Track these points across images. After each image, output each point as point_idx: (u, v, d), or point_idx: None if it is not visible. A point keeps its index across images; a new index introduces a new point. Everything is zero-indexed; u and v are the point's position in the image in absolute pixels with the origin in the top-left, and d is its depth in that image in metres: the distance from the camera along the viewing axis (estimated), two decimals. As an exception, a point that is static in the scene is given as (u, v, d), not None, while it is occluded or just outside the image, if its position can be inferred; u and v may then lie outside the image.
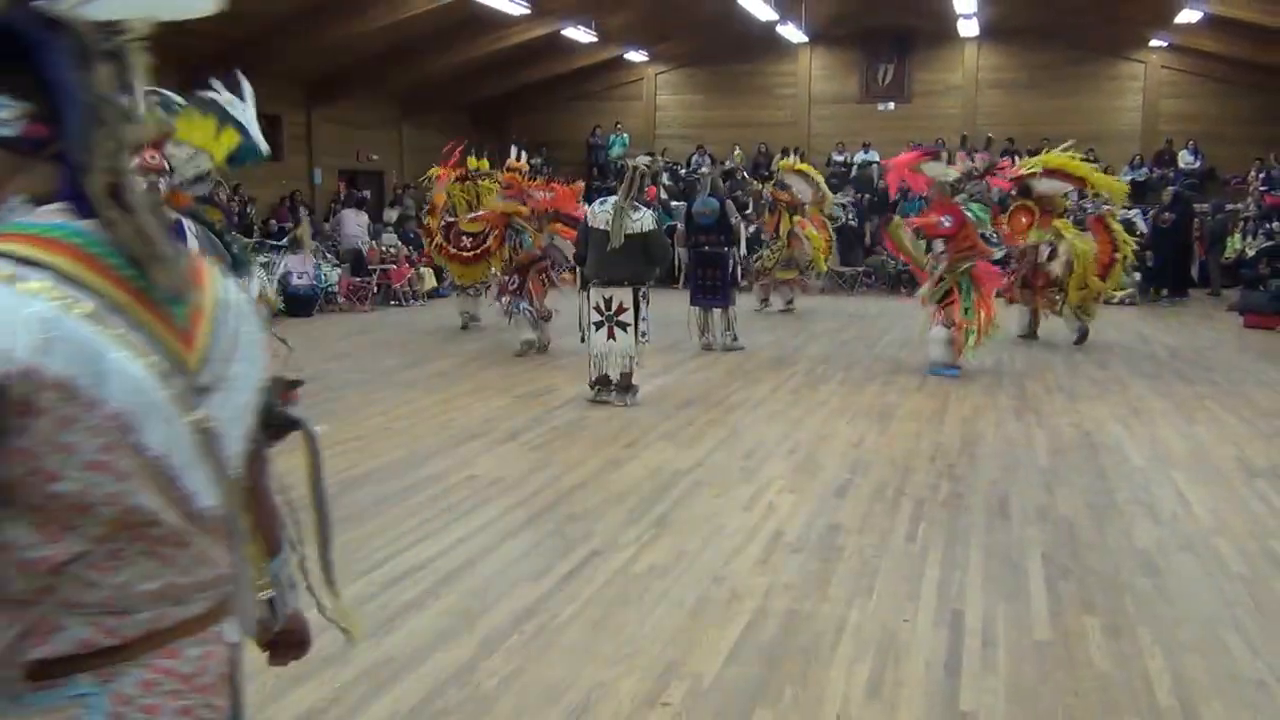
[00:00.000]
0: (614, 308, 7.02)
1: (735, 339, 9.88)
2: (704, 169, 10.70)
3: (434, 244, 10.84)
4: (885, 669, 3.18)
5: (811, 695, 3.01)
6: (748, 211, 13.56)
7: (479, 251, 10.00)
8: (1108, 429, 6.57)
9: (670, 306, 11.16)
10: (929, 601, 3.71)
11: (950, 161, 8.79)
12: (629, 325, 7.02)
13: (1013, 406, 7.23)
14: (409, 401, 7.34)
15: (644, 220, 6.96)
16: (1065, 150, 9.74)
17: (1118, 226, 10.39)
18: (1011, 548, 4.30)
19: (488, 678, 3.10)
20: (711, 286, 9.77)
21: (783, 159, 14.19)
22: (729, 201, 9.96)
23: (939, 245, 8.36)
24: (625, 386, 7.21)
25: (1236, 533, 4.51)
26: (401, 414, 6.92)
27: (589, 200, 8.45)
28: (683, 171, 19.09)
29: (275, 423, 1.50)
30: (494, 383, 8.05)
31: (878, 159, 18.97)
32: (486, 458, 5.75)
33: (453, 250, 10.25)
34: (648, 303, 7.14)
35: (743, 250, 10.22)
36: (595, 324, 7.10)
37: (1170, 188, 16.91)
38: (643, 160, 7.60)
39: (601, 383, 7.22)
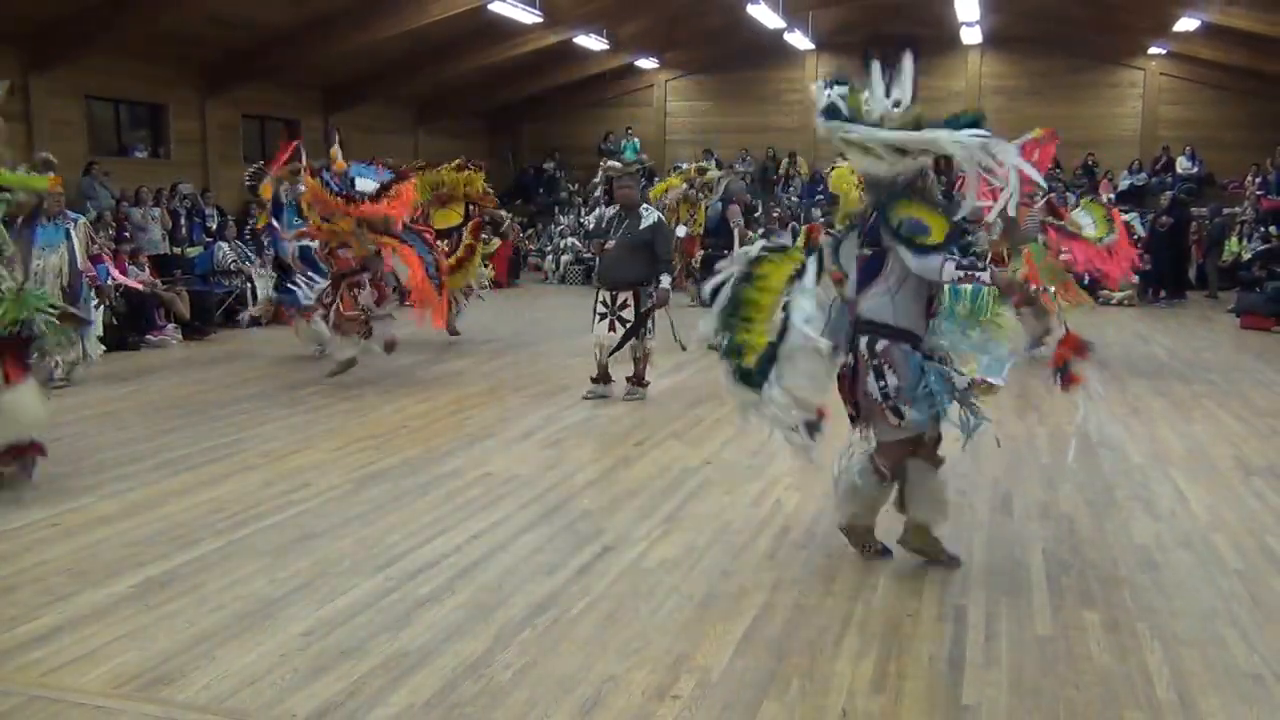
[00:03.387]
0: (618, 303, 7.05)
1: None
2: (714, 169, 10.69)
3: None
4: (889, 662, 3.23)
5: (817, 687, 3.06)
6: (757, 215, 13.49)
7: (456, 259, 9.80)
8: (1107, 428, 6.62)
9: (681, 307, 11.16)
10: (932, 596, 3.76)
11: None
12: (629, 321, 7.04)
13: (1014, 405, 7.22)
14: (425, 400, 7.38)
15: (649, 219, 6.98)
16: None
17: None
18: (1013, 544, 4.36)
19: (502, 670, 3.15)
20: None
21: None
22: (733, 206, 10.03)
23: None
24: (638, 380, 7.32)
25: (1233, 529, 4.57)
26: (418, 412, 6.97)
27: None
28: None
29: None
30: (508, 382, 8.09)
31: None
32: (501, 456, 5.80)
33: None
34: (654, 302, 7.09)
35: None
36: (599, 315, 7.11)
37: (1168, 192, 17.02)
38: (614, 165, 7.74)
39: (601, 378, 7.29)
